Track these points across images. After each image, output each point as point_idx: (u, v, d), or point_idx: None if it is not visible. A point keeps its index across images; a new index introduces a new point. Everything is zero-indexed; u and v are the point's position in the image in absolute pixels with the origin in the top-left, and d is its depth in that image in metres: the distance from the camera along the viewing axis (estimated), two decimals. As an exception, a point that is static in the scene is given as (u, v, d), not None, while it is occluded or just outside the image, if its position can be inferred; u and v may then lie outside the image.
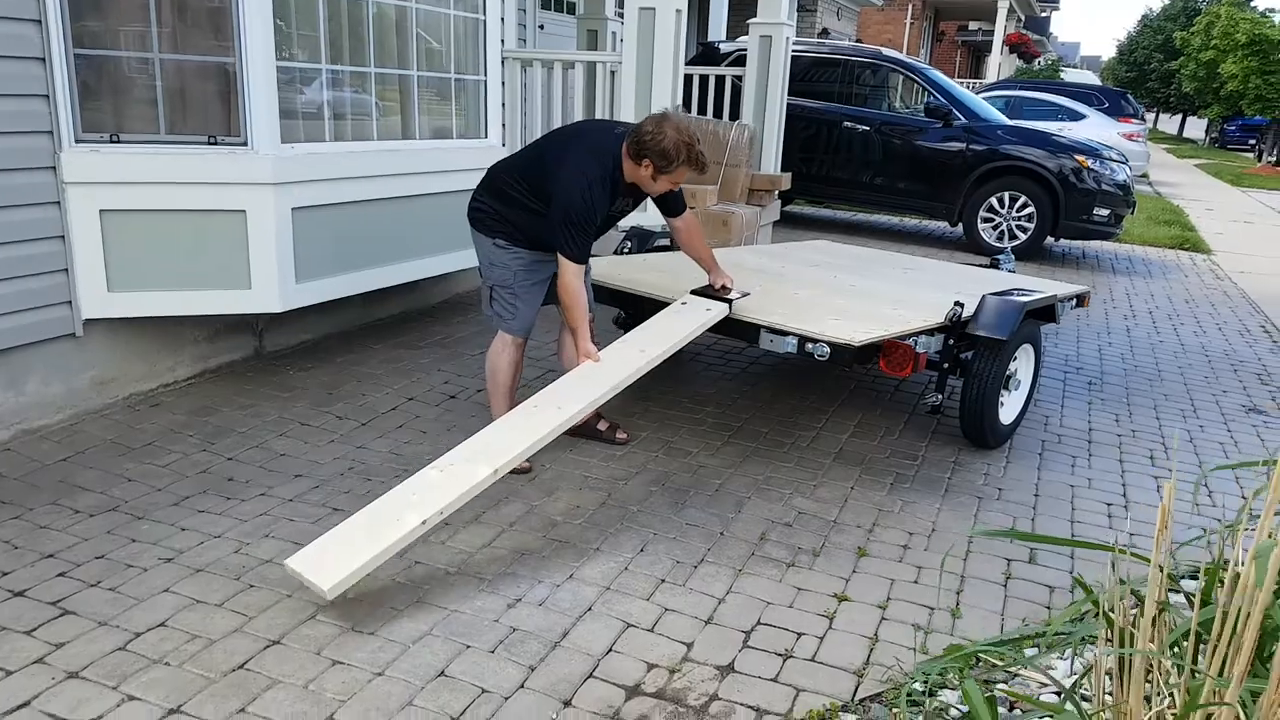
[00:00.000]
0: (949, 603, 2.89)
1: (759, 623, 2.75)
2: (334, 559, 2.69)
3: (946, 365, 3.81)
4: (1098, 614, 2.79)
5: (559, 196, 3.35)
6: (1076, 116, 15.87)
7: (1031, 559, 3.20)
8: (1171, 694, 1.49)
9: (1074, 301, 4.67)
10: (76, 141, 3.82)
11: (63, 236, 3.86)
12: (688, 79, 7.98)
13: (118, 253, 3.96)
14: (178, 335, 4.43)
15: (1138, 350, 6.02)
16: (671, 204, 3.71)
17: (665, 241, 5.14)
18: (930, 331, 3.70)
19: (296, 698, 2.33)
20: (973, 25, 35.11)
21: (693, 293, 3.82)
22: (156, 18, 3.88)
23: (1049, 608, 2.90)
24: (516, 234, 3.58)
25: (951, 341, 3.79)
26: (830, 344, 3.42)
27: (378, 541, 2.72)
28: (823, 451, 4.03)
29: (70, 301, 3.94)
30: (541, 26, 8.86)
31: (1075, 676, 2.40)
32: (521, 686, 2.41)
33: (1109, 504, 3.68)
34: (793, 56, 8.48)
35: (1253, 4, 31.51)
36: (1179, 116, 49.13)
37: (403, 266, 4.92)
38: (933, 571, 3.07)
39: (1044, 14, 41.35)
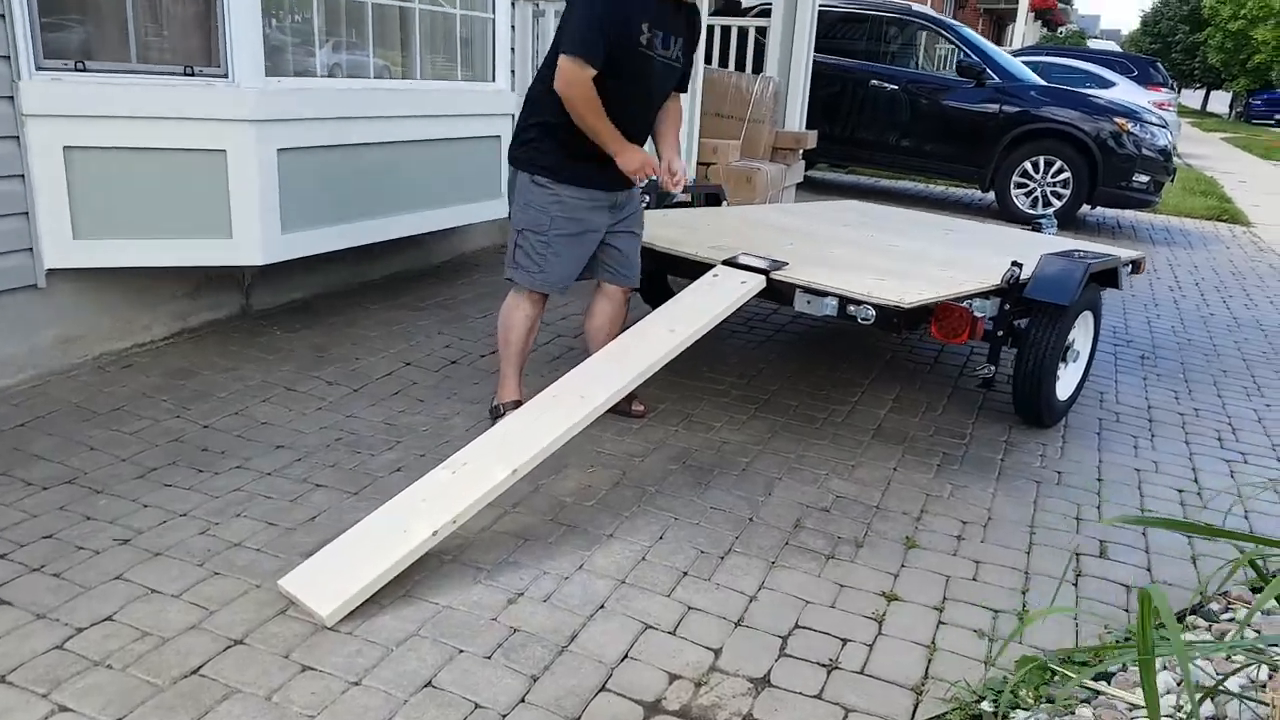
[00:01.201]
0: (1015, 604, 2.52)
1: (797, 625, 2.39)
2: (333, 579, 2.35)
3: (1001, 333, 3.42)
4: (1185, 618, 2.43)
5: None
6: (1105, 84, 15.28)
7: (1102, 553, 2.82)
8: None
9: (1130, 267, 4.27)
10: (37, 69, 3.42)
11: (22, 176, 3.48)
12: (709, 30, 7.55)
13: (84, 195, 3.57)
14: (154, 290, 4.05)
15: (1189, 323, 5.61)
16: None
17: (685, 197, 4.75)
18: (985, 294, 3.31)
19: (257, 712, 1.98)
20: (997, -8, 34.22)
21: (724, 263, 3.43)
22: (126, -67, 3.49)
23: (1127, 610, 2.52)
24: (563, 160, 3.13)
25: (1007, 306, 3.40)
26: (876, 306, 3.04)
27: (383, 557, 2.39)
28: (859, 428, 3.65)
29: (31, 249, 3.56)
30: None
31: (1172, 695, 2.04)
32: (522, 701, 2.06)
33: (1180, 490, 3.30)
34: (819, 11, 8.02)
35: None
36: (1202, 91, 48.12)
37: (402, 219, 4.53)
38: (992, 568, 2.70)
39: (1068, -19, 40.40)
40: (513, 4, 5.34)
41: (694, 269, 3.50)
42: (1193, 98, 52.15)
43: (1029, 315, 3.49)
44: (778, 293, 3.30)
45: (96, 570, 2.44)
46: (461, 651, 2.20)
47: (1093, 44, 33.37)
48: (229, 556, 2.53)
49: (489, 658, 2.19)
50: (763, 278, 3.28)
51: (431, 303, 4.89)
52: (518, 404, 3.26)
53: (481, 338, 4.42)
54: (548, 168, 3.15)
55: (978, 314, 3.05)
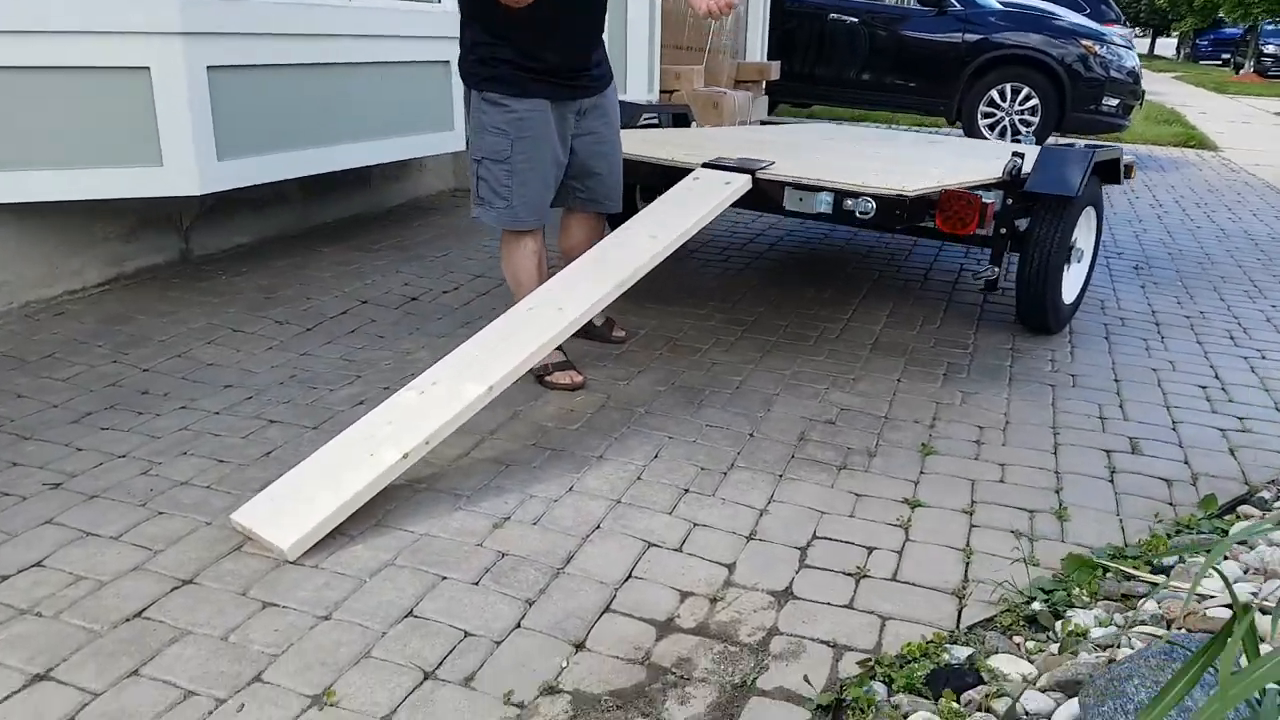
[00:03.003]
0: (1050, 503, 2.31)
1: (815, 536, 2.15)
2: (293, 509, 2.07)
3: (1004, 231, 3.19)
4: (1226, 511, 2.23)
5: None
6: (1060, 22, 15.12)
7: (1134, 449, 2.62)
8: None
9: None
10: (-70, -19, 3.06)
11: (-79, 102, 3.13)
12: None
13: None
14: (85, 232, 3.71)
15: (1177, 235, 5.45)
16: None
17: (653, 117, 4.47)
18: (987, 187, 3.08)
19: (211, 653, 1.71)
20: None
21: (705, 166, 3.16)
22: None
23: (1172, 504, 2.32)
24: (516, 70, 2.72)
25: (1010, 201, 3.17)
26: (876, 197, 2.79)
27: (349, 484, 2.10)
28: (856, 343, 3.42)
29: (-61, 185, 3.22)
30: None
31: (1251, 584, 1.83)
32: (517, 626, 1.81)
33: (1203, 386, 3.11)
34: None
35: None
36: (1148, 35, 48.28)
37: (349, 149, 4.19)
38: (1020, 469, 2.49)
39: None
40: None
41: (670, 177, 3.23)
42: (1139, 42, 52.40)
43: (1031, 214, 3.27)
44: (764, 194, 3.04)
45: (23, 516, 2.14)
46: (445, 579, 1.94)
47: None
48: (174, 495, 2.25)
49: (476, 584, 1.93)
50: (748, 177, 3.01)
51: (386, 244, 4.58)
52: (564, 361, 2.96)
53: (442, 275, 4.13)
54: (499, 79, 2.75)
55: (986, 200, 2.82)
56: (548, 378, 2.94)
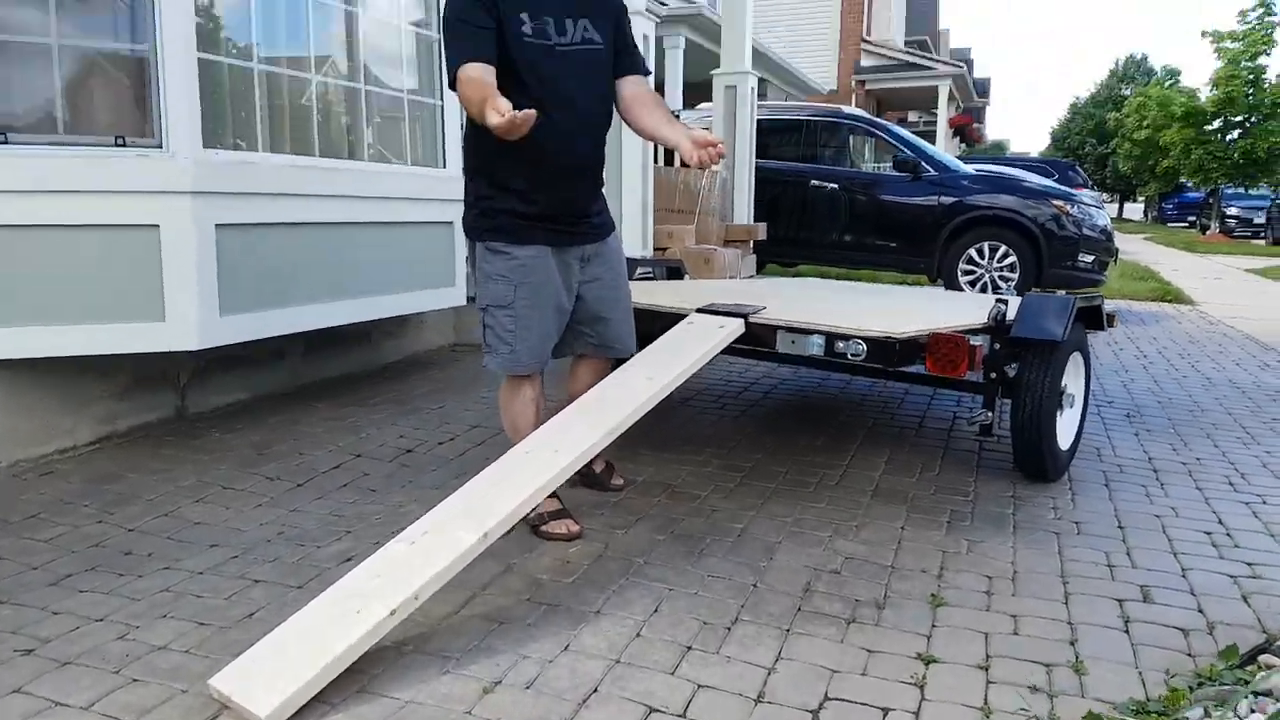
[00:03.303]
0: (1066, 656, 2.22)
1: (828, 697, 2.05)
2: (274, 674, 1.96)
3: (994, 376, 3.21)
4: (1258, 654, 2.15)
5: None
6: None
7: (1146, 597, 2.55)
8: None
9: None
10: (-45, 144, 3.16)
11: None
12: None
13: (4, 279, 3.26)
14: (79, 389, 3.70)
15: (1164, 384, 5.50)
16: (622, 61, 2.88)
17: (648, 271, 4.56)
18: (974, 331, 3.11)
19: (183, 834, 1.59)
20: (912, 116, 35.59)
21: (699, 311, 3.22)
22: (56, -1, 3.27)
23: (1190, 655, 2.23)
24: (516, 219, 2.78)
25: (997, 346, 3.21)
26: (867, 339, 2.82)
27: (332, 645, 2.00)
28: (856, 490, 3.38)
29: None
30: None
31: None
32: (512, 800, 1.69)
33: (1208, 532, 3.06)
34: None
35: (1174, 83, 32.59)
36: (1115, 200, 50.34)
37: (350, 305, 4.23)
38: (1033, 620, 2.40)
39: (980, 104, 42.29)
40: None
41: (665, 323, 3.26)
42: (1108, 206, 54.43)
43: (1019, 359, 3.30)
44: (757, 338, 3.07)
45: (-10, 686, 2.04)
46: (435, 749, 1.83)
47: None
48: (151, 661, 2.15)
49: (468, 754, 1.82)
50: (741, 321, 3.05)
51: (382, 399, 4.58)
52: (560, 510, 2.92)
53: (439, 425, 4.11)
54: (500, 229, 2.82)
55: (976, 343, 2.85)
56: (543, 528, 2.88)
